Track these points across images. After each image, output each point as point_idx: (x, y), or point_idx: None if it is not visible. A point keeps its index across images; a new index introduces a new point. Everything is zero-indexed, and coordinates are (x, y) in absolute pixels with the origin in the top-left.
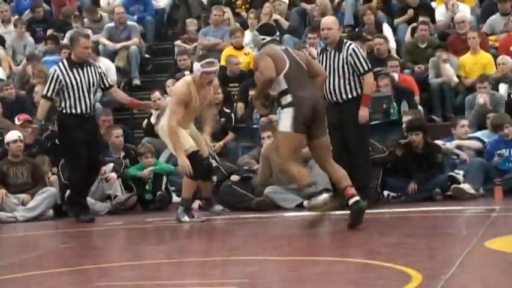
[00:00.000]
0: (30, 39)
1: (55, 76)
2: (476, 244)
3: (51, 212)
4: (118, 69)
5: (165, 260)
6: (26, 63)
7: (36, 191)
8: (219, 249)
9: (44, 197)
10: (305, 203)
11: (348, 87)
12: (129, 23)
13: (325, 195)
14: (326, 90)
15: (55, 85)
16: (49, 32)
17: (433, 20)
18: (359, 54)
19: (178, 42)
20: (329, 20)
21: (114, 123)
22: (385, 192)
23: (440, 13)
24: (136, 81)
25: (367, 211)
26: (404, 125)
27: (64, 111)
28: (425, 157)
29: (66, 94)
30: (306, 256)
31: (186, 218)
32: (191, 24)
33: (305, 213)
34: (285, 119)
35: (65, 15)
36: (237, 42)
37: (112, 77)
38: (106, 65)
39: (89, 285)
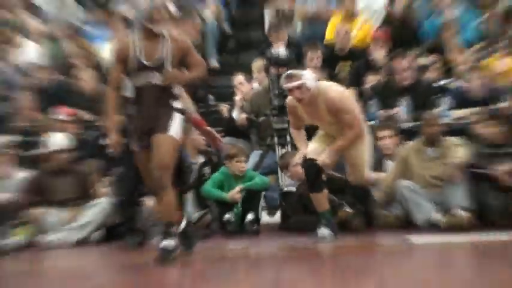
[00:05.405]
0: (74, 4)
1: None
2: None
3: (96, 234)
4: None
5: None
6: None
7: (83, 204)
8: (322, 284)
9: (95, 212)
10: (439, 218)
11: None
12: None
13: (462, 212)
14: None
15: None
16: None
17: None
18: None
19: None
20: None
21: None
22: None
23: None
24: (214, 63)
25: None
26: None
27: None
28: None
29: None
30: None
31: (324, 231)
32: None
33: (436, 237)
34: None
35: None
36: (348, 9)
37: None
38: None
39: None
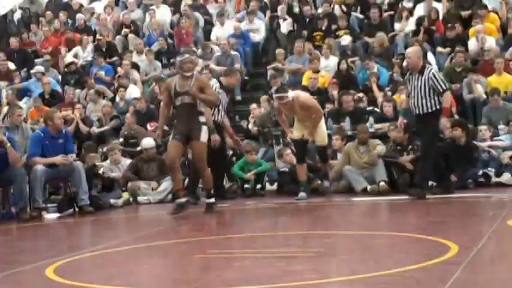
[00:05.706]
0: (159, 64)
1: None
2: (501, 223)
3: (169, 196)
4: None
5: (260, 233)
6: (154, 83)
7: (161, 179)
8: (302, 225)
9: (169, 183)
10: (368, 187)
11: (429, 103)
12: (233, 52)
13: (382, 183)
14: (412, 105)
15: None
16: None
17: (467, 49)
18: (437, 77)
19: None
20: (409, 50)
21: None
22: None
23: (472, 44)
24: (238, 97)
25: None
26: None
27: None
28: (465, 151)
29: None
30: (370, 231)
31: (302, 194)
32: (280, 53)
33: (368, 198)
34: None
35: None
36: (315, 67)
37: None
38: (216, 85)
39: (202, 253)
